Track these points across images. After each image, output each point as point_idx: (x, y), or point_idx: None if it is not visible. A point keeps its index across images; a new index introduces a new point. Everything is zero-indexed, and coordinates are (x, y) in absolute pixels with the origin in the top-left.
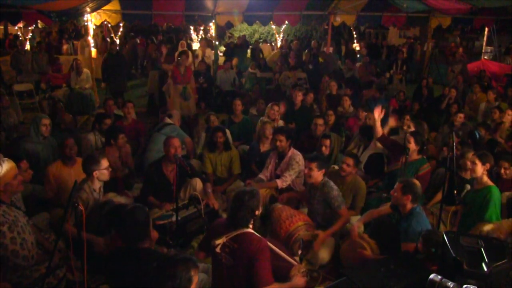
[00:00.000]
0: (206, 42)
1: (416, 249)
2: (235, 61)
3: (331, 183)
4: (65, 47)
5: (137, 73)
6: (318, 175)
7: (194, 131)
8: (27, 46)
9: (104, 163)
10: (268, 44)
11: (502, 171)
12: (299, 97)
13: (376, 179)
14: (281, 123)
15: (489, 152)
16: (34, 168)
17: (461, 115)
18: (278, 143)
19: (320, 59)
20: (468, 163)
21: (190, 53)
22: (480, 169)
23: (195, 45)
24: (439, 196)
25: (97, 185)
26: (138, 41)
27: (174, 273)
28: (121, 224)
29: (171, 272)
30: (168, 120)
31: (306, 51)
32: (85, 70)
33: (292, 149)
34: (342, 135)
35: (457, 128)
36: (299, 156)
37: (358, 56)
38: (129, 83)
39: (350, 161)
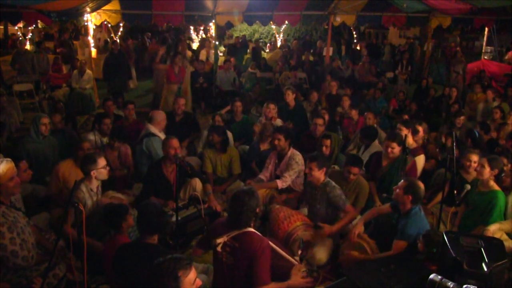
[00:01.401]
0: (209, 43)
1: (416, 249)
2: (232, 60)
3: (333, 183)
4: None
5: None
6: (319, 174)
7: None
8: (27, 46)
9: (101, 162)
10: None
11: None
12: (290, 96)
13: None
14: (278, 121)
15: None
16: (35, 168)
17: (463, 117)
18: (276, 142)
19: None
20: (475, 164)
21: (190, 52)
22: (487, 173)
23: (195, 45)
24: (439, 197)
25: (95, 184)
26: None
27: (160, 273)
28: (140, 215)
29: (156, 272)
30: (149, 128)
31: (311, 51)
32: (88, 71)
33: (291, 149)
34: (339, 135)
35: (456, 130)
36: (298, 156)
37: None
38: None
39: (356, 170)
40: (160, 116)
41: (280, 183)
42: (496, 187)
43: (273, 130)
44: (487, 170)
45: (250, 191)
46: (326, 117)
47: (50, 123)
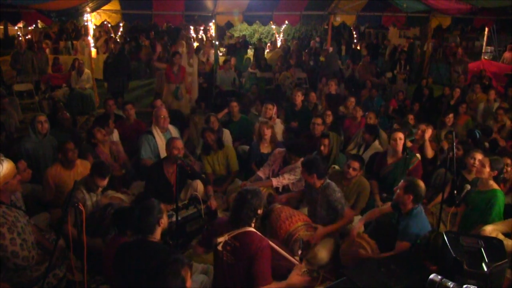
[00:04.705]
0: (210, 43)
1: (416, 249)
2: (233, 61)
3: (333, 185)
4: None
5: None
6: (317, 181)
7: (185, 132)
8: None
9: (102, 183)
10: None
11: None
12: (299, 97)
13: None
14: (278, 122)
15: (491, 152)
16: (34, 167)
17: (451, 115)
18: (293, 163)
19: (321, 58)
20: (477, 163)
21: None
22: (486, 173)
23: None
24: (439, 197)
25: None
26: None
27: (164, 278)
28: (137, 213)
29: (160, 274)
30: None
31: (306, 50)
32: (86, 70)
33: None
34: (341, 135)
35: (447, 129)
36: None
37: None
38: (130, 83)
39: (356, 164)
40: (157, 112)
41: (275, 182)
42: (495, 186)
43: (285, 152)
44: (487, 170)
45: (254, 190)
46: (330, 118)
47: (46, 121)
